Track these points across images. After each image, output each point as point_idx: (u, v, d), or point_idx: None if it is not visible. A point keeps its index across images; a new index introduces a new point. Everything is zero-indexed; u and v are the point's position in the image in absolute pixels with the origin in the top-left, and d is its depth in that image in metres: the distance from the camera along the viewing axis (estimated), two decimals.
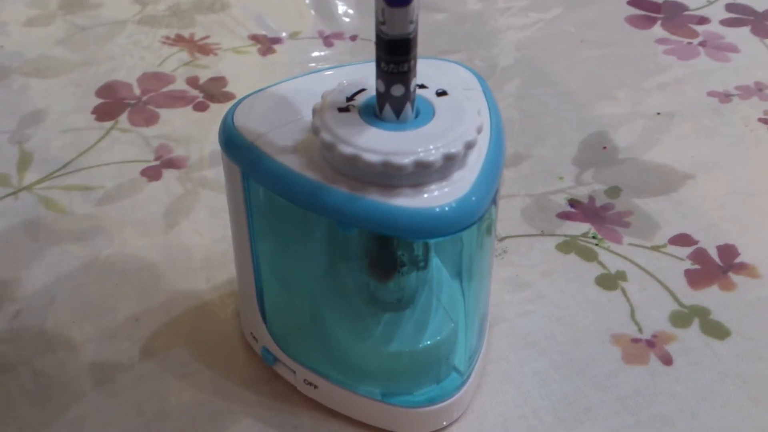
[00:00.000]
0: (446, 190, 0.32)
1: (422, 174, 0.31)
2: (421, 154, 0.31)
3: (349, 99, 0.33)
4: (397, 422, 0.39)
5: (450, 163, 0.32)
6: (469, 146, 0.32)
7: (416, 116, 0.33)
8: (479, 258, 0.38)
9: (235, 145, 0.34)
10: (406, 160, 0.31)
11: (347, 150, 0.31)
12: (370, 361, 0.39)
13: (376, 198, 0.31)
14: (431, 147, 0.31)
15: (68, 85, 0.63)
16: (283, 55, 0.68)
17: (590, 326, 0.44)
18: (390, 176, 0.31)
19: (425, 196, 0.32)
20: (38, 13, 0.73)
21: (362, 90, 0.34)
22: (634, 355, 0.43)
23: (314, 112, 0.33)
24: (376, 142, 0.31)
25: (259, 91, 0.37)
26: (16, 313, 0.45)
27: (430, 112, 0.33)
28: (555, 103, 0.62)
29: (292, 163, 0.33)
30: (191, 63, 0.66)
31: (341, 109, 0.33)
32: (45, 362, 0.42)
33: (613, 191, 0.53)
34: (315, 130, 0.32)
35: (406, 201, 0.31)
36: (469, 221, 0.32)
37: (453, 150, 0.31)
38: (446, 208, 0.31)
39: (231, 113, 0.35)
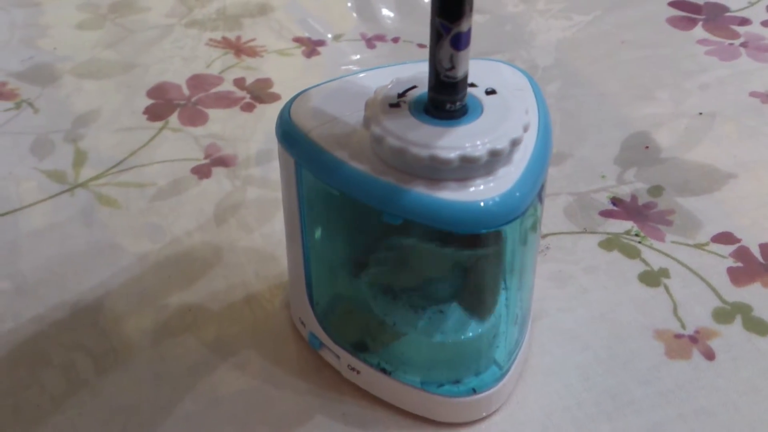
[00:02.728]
0: (491, 185, 0.33)
1: (468, 169, 0.32)
2: (467, 150, 0.32)
3: (401, 95, 0.34)
4: (435, 411, 0.40)
5: (495, 159, 0.32)
6: (515, 143, 0.33)
7: (465, 114, 0.34)
8: (522, 254, 0.38)
9: (290, 136, 0.36)
10: (452, 154, 0.32)
11: (396, 143, 0.32)
12: (411, 350, 0.40)
13: (422, 190, 0.32)
14: (477, 143, 0.32)
15: (119, 86, 0.65)
16: (327, 56, 0.69)
17: (633, 322, 0.45)
18: (436, 170, 0.32)
19: (470, 190, 0.32)
20: (88, 17, 0.75)
21: (413, 87, 0.35)
22: (677, 350, 0.43)
23: (366, 106, 0.34)
24: (424, 137, 0.32)
25: (313, 87, 0.38)
26: (74, 304, 0.46)
27: (479, 110, 0.34)
28: (596, 103, 0.63)
29: (343, 154, 0.34)
30: (237, 65, 0.68)
31: (392, 105, 0.34)
32: (102, 350, 0.44)
33: (656, 190, 0.54)
34: (366, 124, 0.33)
35: (451, 194, 0.32)
36: (512, 216, 0.33)
37: (498, 146, 0.32)
38: (490, 202, 0.32)
39: (288, 107, 0.36)
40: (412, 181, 0.32)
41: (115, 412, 0.41)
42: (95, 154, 0.58)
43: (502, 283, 0.39)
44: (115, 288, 0.47)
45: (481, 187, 0.32)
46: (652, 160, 0.57)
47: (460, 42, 0.32)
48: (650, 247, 0.50)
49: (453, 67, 0.32)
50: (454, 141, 0.32)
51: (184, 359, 0.43)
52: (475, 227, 0.33)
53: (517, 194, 0.33)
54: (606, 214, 0.52)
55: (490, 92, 0.35)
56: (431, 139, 0.32)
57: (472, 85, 0.35)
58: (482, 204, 0.32)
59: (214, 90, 0.65)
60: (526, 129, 0.33)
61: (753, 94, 0.63)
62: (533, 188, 0.34)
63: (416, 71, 0.36)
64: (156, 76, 0.66)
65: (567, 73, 0.66)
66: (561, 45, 0.70)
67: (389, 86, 0.35)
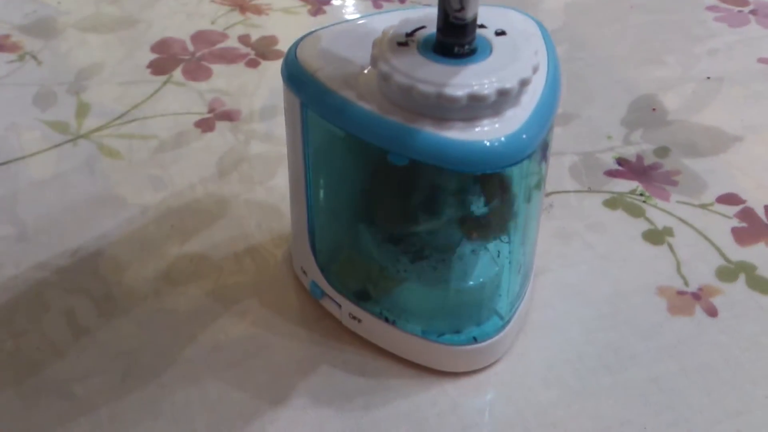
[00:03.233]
0: (497, 125, 0.32)
1: (475, 108, 0.32)
2: (475, 88, 0.31)
3: (409, 35, 0.34)
4: (435, 360, 0.40)
5: (503, 98, 0.32)
6: (524, 83, 0.33)
7: (474, 53, 0.33)
8: (526, 210, 0.38)
9: (296, 77, 0.35)
10: (460, 92, 0.31)
11: (403, 80, 0.32)
12: (412, 299, 0.40)
13: (429, 129, 0.32)
14: (486, 81, 0.32)
15: (123, 40, 0.65)
16: (333, 15, 0.69)
17: (636, 279, 0.45)
18: (444, 109, 0.32)
19: (477, 130, 0.32)
20: None
21: (422, 27, 0.34)
22: (679, 306, 0.43)
23: (374, 44, 0.34)
24: (431, 75, 0.32)
25: (321, 29, 0.38)
26: (75, 252, 0.46)
27: (488, 50, 0.34)
28: (604, 66, 0.62)
29: (349, 94, 0.34)
30: (243, 22, 0.67)
31: (400, 44, 0.33)
32: (102, 295, 0.44)
33: (662, 151, 0.53)
34: (373, 61, 0.33)
35: (458, 134, 0.32)
36: (519, 157, 0.33)
37: (507, 85, 0.32)
38: (496, 143, 0.32)
39: (294, 48, 0.36)
40: (418, 120, 0.32)
41: (116, 357, 0.41)
42: (98, 106, 0.58)
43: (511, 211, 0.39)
44: (116, 237, 0.47)
45: (487, 128, 0.32)
46: (659, 122, 0.56)
47: None
48: (655, 206, 0.49)
49: (462, 8, 0.32)
50: (463, 79, 0.32)
51: (185, 307, 0.43)
52: (481, 167, 0.32)
53: (524, 136, 0.32)
54: (611, 174, 0.52)
55: (500, 33, 0.34)
56: (439, 77, 0.32)
57: (482, 26, 0.34)
58: (488, 144, 0.32)
59: (218, 46, 0.64)
60: (535, 70, 0.33)
61: (761, 60, 0.63)
62: (540, 132, 0.33)
63: (423, 13, 0.35)
64: (160, 32, 0.66)
65: (575, 36, 0.66)
66: (569, 8, 0.70)
67: (398, 26, 0.34)
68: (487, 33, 0.34)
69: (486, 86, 0.31)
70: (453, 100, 0.31)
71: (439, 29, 0.33)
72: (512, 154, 0.32)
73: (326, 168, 0.39)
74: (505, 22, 0.36)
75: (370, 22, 0.38)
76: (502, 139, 0.32)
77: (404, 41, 0.33)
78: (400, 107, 0.33)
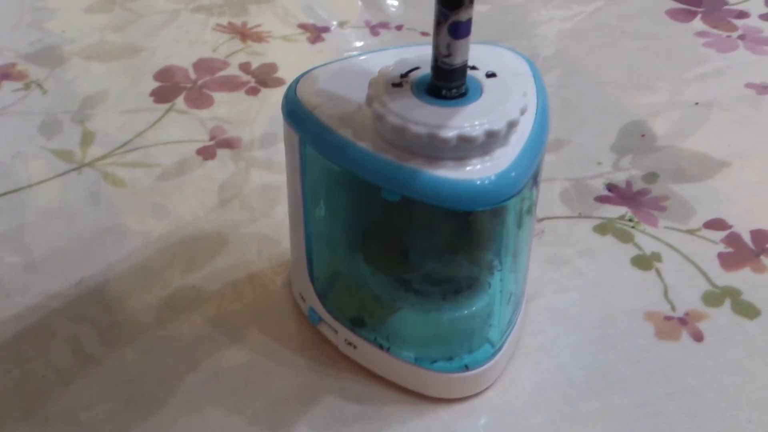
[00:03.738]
0: (487, 164, 0.34)
1: (465, 148, 0.34)
2: (465, 129, 0.33)
3: (404, 76, 0.35)
4: (428, 386, 0.41)
5: (492, 139, 0.34)
6: (512, 125, 0.34)
7: (465, 95, 0.35)
8: (517, 236, 0.39)
9: (295, 113, 0.37)
10: (451, 133, 0.33)
11: (396, 121, 0.33)
12: (406, 326, 0.41)
13: (420, 168, 0.34)
14: (475, 123, 0.33)
15: (126, 69, 0.67)
16: (331, 43, 0.71)
17: (625, 304, 0.46)
18: (435, 148, 0.33)
19: (467, 168, 0.34)
20: (97, 1, 0.76)
21: (416, 68, 0.36)
22: (666, 331, 0.45)
23: (370, 85, 0.35)
24: (423, 116, 0.33)
25: (320, 66, 0.39)
26: (79, 280, 0.48)
27: (478, 91, 0.35)
28: (594, 92, 0.64)
29: (345, 132, 0.35)
30: (243, 50, 0.69)
31: (395, 84, 0.35)
32: (107, 324, 0.45)
33: (651, 177, 0.55)
34: (369, 102, 0.35)
35: (449, 172, 0.33)
36: (508, 195, 0.34)
37: (495, 127, 0.33)
38: (486, 181, 0.33)
39: (294, 85, 0.38)
40: (411, 158, 0.34)
41: (120, 385, 0.42)
42: (102, 134, 0.59)
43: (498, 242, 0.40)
44: (120, 265, 0.49)
45: (478, 166, 0.34)
46: (648, 147, 0.58)
47: (458, 31, 0.33)
48: (643, 232, 0.51)
49: (450, 55, 0.34)
50: (453, 121, 0.33)
51: (186, 334, 0.45)
52: (471, 205, 0.34)
53: (513, 174, 0.34)
54: (601, 199, 0.53)
55: (491, 75, 0.36)
56: (431, 119, 0.33)
57: (474, 67, 0.36)
58: (478, 182, 0.33)
59: (219, 74, 0.66)
60: (523, 111, 0.34)
61: (749, 86, 0.64)
62: (528, 169, 0.35)
63: (420, 53, 0.37)
64: (162, 60, 0.67)
65: (567, 62, 0.67)
66: (562, 35, 0.71)
67: (393, 67, 0.36)
68: (479, 74, 0.36)
69: (476, 128, 0.33)
70: (443, 141, 0.33)
71: (432, 72, 0.35)
72: (501, 192, 0.34)
73: (324, 199, 0.40)
74: (497, 61, 0.37)
75: (368, 61, 0.39)
76: (492, 177, 0.33)
77: (399, 82, 0.35)
78: (394, 146, 0.34)
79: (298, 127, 0.37)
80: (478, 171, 0.34)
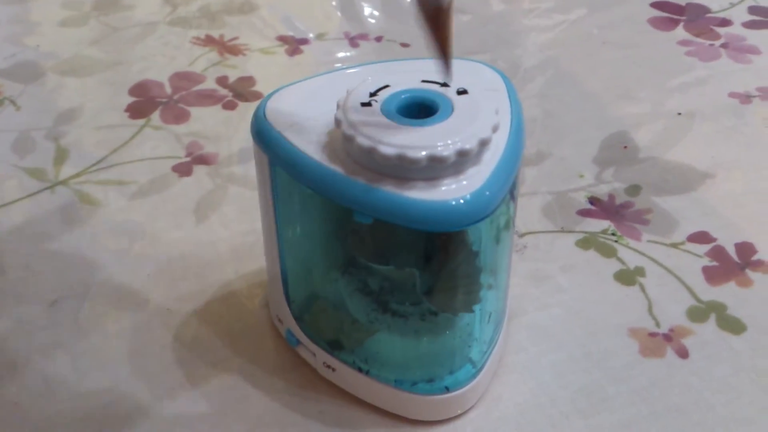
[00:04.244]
0: (459, 184, 0.33)
1: (436, 168, 0.33)
2: (436, 149, 0.32)
3: (372, 94, 0.35)
4: (409, 409, 0.40)
5: (463, 159, 0.33)
6: (483, 143, 0.33)
7: (436, 113, 0.34)
8: (496, 253, 0.39)
9: (264, 134, 0.36)
10: (421, 154, 0.32)
11: (365, 142, 0.32)
12: (384, 349, 0.40)
13: (391, 190, 0.33)
14: (447, 142, 0.32)
15: (102, 83, 0.65)
16: (310, 55, 0.70)
17: (608, 320, 0.45)
18: (405, 169, 0.33)
19: (439, 189, 0.33)
20: (72, 14, 0.75)
21: (385, 86, 0.35)
22: (651, 348, 0.44)
23: (338, 105, 0.34)
24: (392, 136, 0.33)
25: (290, 85, 0.38)
26: (53, 302, 0.47)
27: (449, 110, 0.34)
28: (577, 103, 0.63)
29: (315, 153, 0.34)
30: (221, 63, 0.68)
31: (364, 104, 0.34)
32: (81, 349, 0.44)
33: (633, 189, 0.54)
34: (337, 123, 0.34)
35: (420, 193, 0.33)
36: (482, 215, 0.33)
37: (467, 146, 0.32)
38: (460, 201, 0.32)
39: (263, 105, 0.37)
40: (382, 180, 0.33)
41: (93, 411, 0.41)
42: (76, 151, 0.58)
43: (479, 280, 0.40)
44: (94, 287, 0.48)
45: (452, 186, 0.33)
46: (630, 159, 0.57)
47: None
48: (626, 246, 0.50)
49: None
50: (423, 140, 0.32)
51: (162, 358, 0.43)
52: (445, 226, 0.33)
53: (487, 193, 0.33)
54: (583, 213, 0.52)
55: (462, 92, 0.35)
56: (400, 139, 0.32)
57: (444, 84, 0.35)
58: (453, 203, 0.32)
59: (196, 88, 0.65)
60: (495, 129, 0.33)
61: (732, 95, 0.64)
62: (503, 188, 0.34)
63: (391, 70, 0.36)
64: (139, 74, 0.66)
65: (549, 72, 0.67)
66: (544, 45, 0.71)
67: (361, 85, 0.35)
68: (449, 92, 0.35)
69: (447, 147, 0.32)
70: (413, 162, 0.32)
71: None
72: (474, 213, 0.33)
73: (296, 220, 0.39)
74: (470, 77, 0.36)
75: (341, 77, 0.39)
76: (467, 197, 0.32)
77: (367, 101, 0.34)
78: (365, 167, 0.33)
79: (268, 149, 0.36)
80: (452, 191, 0.33)
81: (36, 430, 0.40)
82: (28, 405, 0.41)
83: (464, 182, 0.33)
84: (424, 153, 0.32)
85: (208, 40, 0.71)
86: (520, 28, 0.73)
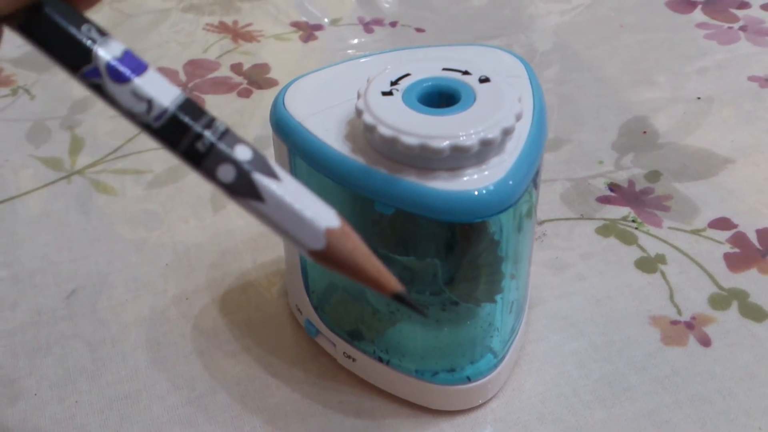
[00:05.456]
0: (482, 174, 0.32)
1: (459, 158, 0.32)
2: (458, 139, 0.32)
3: (393, 83, 0.34)
4: (430, 399, 0.40)
5: (487, 148, 0.32)
6: (507, 132, 0.33)
7: (458, 102, 0.34)
8: (518, 242, 0.38)
9: (283, 124, 0.35)
10: (443, 143, 0.31)
11: (387, 132, 0.32)
12: (405, 339, 0.40)
13: (413, 180, 0.32)
14: (470, 131, 0.32)
15: None
16: (324, 41, 0.69)
17: (629, 308, 0.45)
18: (427, 159, 0.32)
19: (462, 179, 0.32)
20: None
21: (407, 75, 0.35)
22: (672, 336, 0.44)
23: (359, 94, 0.34)
24: (415, 126, 0.32)
25: (308, 74, 0.38)
26: (71, 292, 0.47)
27: (472, 98, 0.34)
28: (594, 88, 0.63)
29: (335, 143, 0.34)
30: (235, 50, 0.68)
31: (385, 93, 0.34)
32: (100, 338, 0.44)
33: (653, 175, 0.54)
34: (358, 112, 0.33)
35: (443, 183, 0.32)
36: (505, 205, 0.33)
37: (490, 135, 0.32)
38: (483, 191, 0.32)
39: (282, 94, 0.36)
40: (403, 170, 0.32)
41: (113, 400, 0.41)
42: (92, 140, 0.58)
43: (501, 269, 0.39)
44: (112, 276, 0.48)
45: (474, 176, 0.32)
46: (649, 145, 0.56)
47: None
48: (647, 233, 0.49)
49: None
50: (446, 130, 0.32)
51: (181, 347, 0.43)
52: (468, 217, 0.33)
53: (510, 183, 0.32)
54: (603, 200, 0.52)
55: (484, 80, 0.34)
56: (422, 128, 0.32)
57: (466, 72, 0.35)
58: (476, 193, 0.32)
59: (210, 75, 0.65)
60: (518, 118, 0.33)
61: (751, 79, 0.63)
62: (526, 177, 0.33)
63: (412, 57, 0.35)
64: (153, 62, 0.66)
65: (566, 57, 0.66)
66: (560, 29, 0.70)
67: (382, 74, 0.35)
68: (471, 80, 0.34)
69: (470, 136, 0.32)
70: (436, 152, 0.31)
71: None
72: (498, 203, 0.32)
73: None
74: (491, 63, 0.36)
75: (361, 66, 0.38)
76: (490, 187, 0.32)
77: (389, 90, 0.34)
78: (386, 157, 0.33)
79: (287, 139, 0.35)
80: (474, 181, 0.32)
81: (55, 422, 0.40)
82: (48, 396, 0.41)
83: (487, 172, 0.32)
84: (446, 143, 0.31)
85: (222, 27, 0.71)
86: (535, 12, 0.72)
